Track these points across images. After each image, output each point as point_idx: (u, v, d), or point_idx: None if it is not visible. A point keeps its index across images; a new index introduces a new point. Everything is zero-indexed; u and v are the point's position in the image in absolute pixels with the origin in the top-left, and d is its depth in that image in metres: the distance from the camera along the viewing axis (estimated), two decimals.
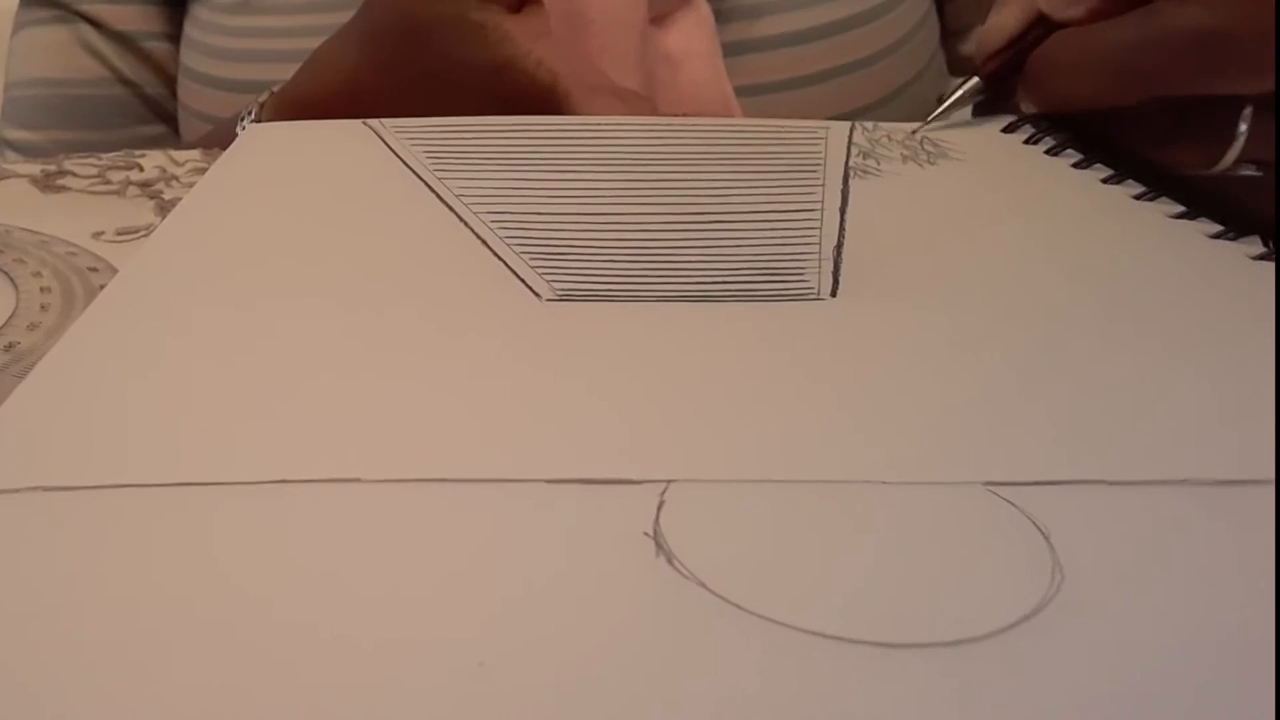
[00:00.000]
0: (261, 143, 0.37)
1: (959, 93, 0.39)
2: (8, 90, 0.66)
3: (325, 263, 0.28)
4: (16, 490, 0.19)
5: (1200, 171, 0.34)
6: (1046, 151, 0.35)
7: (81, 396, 0.22)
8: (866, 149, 0.35)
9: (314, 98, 0.43)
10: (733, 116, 0.45)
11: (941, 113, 0.38)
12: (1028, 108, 0.38)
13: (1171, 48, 0.33)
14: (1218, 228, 0.30)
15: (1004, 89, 0.39)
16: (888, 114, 0.57)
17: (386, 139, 0.36)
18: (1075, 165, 0.34)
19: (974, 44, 0.40)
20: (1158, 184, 0.32)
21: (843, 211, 0.31)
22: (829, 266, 0.28)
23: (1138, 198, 0.32)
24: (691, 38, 0.43)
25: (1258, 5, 0.32)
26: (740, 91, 0.46)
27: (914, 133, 0.37)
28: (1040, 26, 0.37)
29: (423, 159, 0.34)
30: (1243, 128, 0.33)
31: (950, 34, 0.64)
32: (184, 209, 0.32)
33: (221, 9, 0.59)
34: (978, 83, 0.39)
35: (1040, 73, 0.37)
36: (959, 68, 0.65)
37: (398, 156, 0.35)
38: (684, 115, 0.41)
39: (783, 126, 0.37)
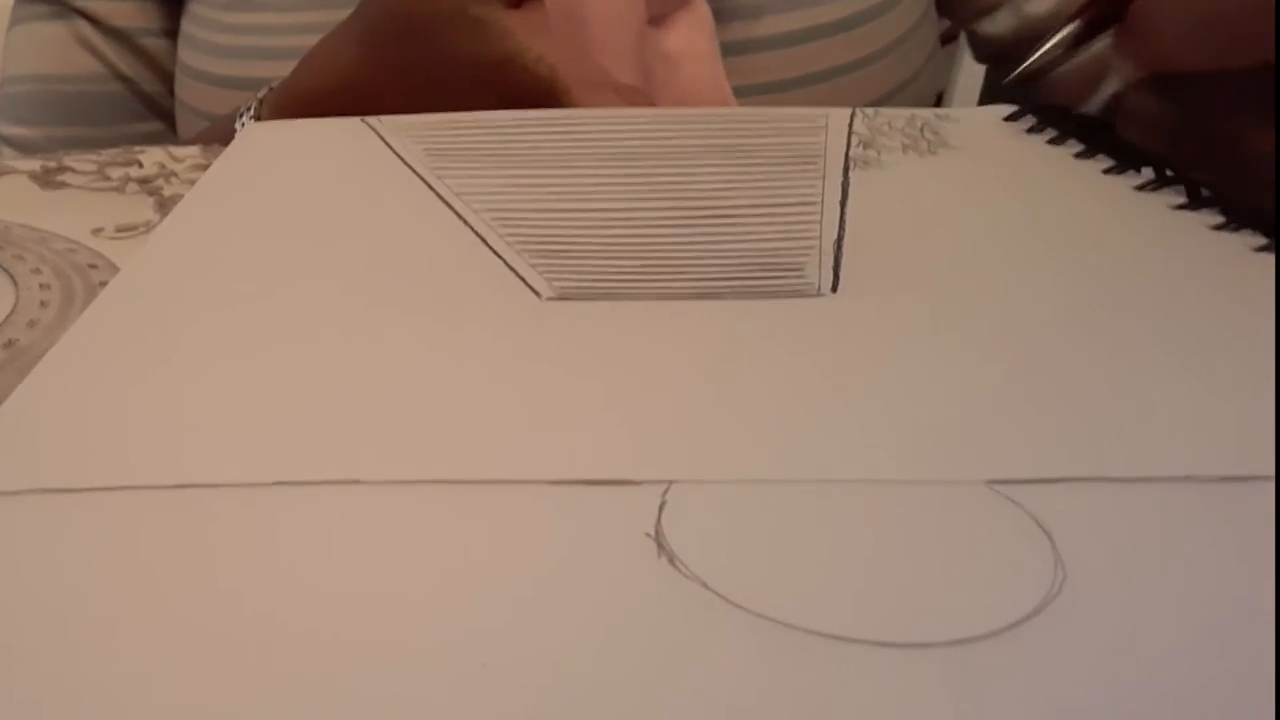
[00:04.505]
0: (261, 141, 0.37)
1: (1057, 38, 0.37)
2: (4, 86, 0.66)
3: (325, 263, 0.28)
4: (16, 492, 0.19)
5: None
6: (1049, 142, 0.35)
7: (81, 397, 0.22)
8: (867, 138, 0.35)
9: (313, 94, 0.43)
10: None
11: (1039, 57, 0.37)
12: (1122, 69, 0.36)
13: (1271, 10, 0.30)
14: (1219, 219, 0.29)
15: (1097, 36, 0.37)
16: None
17: (385, 137, 0.36)
18: (1077, 156, 0.34)
19: None
20: (1159, 175, 0.32)
21: (843, 204, 0.31)
22: (829, 261, 0.28)
23: (1139, 189, 0.32)
24: (690, 38, 0.43)
25: None
26: (739, 91, 0.46)
27: (1006, 81, 0.37)
28: None
29: (421, 156, 0.34)
30: None
31: (977, 13, 0.63)
32: (184, 208, 0.32)
33: (219, 5, 0.59)
34: (1076, 26, 0.38)
35: (1142, 26, 0.35)
36: (983, 47, 0.64)
37: (396, 154, 0.35)
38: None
39: (782, 116, 0.37)
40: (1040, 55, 0.37)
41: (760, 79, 0.55)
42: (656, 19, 0.42)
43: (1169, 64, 0.34)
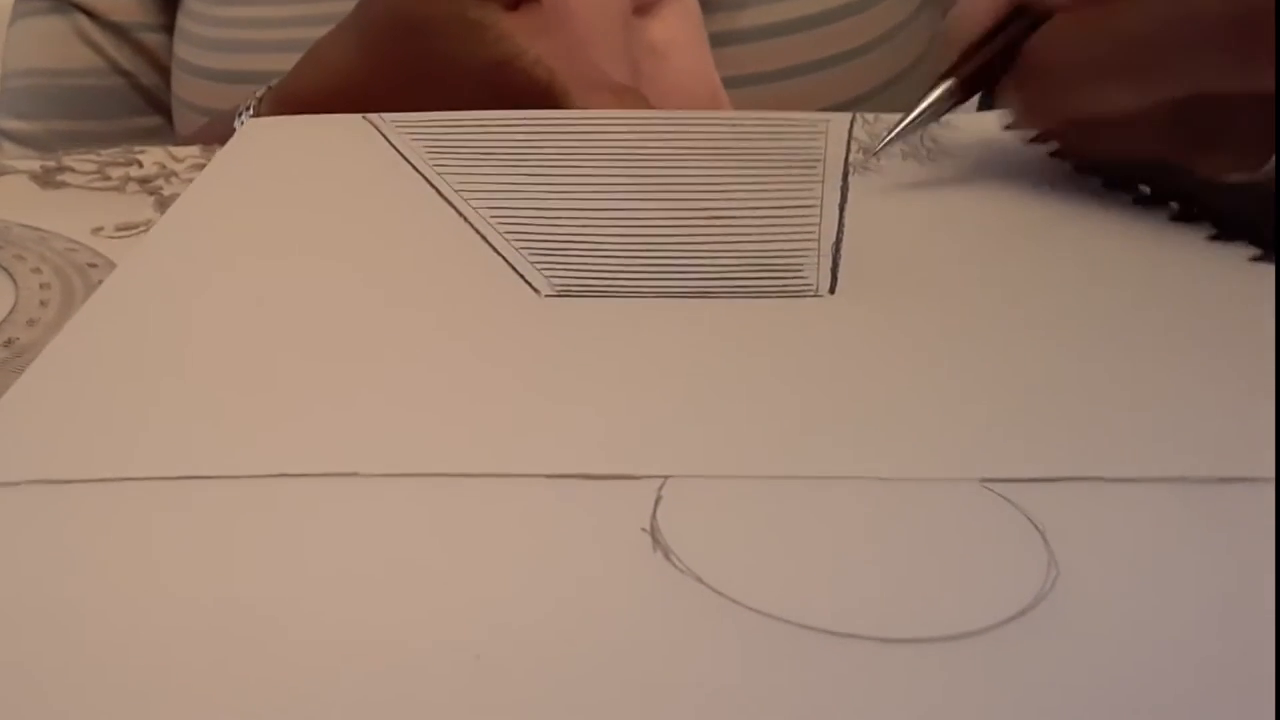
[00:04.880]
0: (260, 137, 0.37)
1: (929, 99, 0.32)
2: (4, 80, 0.66)
3: (324, 258, 0.28)
4: (16, 483, 0.19)
5: (1239, 177, 0.29)
6: (1050, 154, 0.35)
7: (80, 390, 0.22)
8: (867, 144, 0.35)
9: (311, 95, 0.43)
10: (721, 107, 0.45)
11: (910, 124, 0.32)
12: (1020, 125, 0.32)
13: (1207, 29, 0.27)
14: (1213, 231, 0.30)
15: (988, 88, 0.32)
16: (882, 104, 0.56)
17: (386, 133, 0.36)
18: (1076, 169, 0.34)
19: (944, 30, 0.33)
20: (1159, 188, 0.32)
21: (842, 209, 0.31)
22: (827, 264, 0.28)
23: (1137, 201, 0.32)
24: (677, 28, 0.43)
25: None
26: (730, 82, 0.46)
27: (875, 154, 0.32)
28: (1022, 19, 0.31)
29: (422, 154, 0.34)
30: None
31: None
32: (184, 203, 0.32)
33: (212, 0, 0.59)
34: (952, 85, 0.32)
35: (1040, 70, 0.30)
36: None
37: (397, 151, 0.35)
38: (674, 107, 0.41)
39: (783, 120, 0.37)
40: (911, 122, 0.32)
41: (747, 70, 0.54)
42: (643, 9, 0.42)
43: (1078, 109, 0.30)
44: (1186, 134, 0.29)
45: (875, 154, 0.32)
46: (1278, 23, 0.26)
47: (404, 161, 0.34)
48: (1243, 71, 0.27)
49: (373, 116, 0.37)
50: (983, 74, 0.32)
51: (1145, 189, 0.32)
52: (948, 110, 0.32)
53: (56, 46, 0.64)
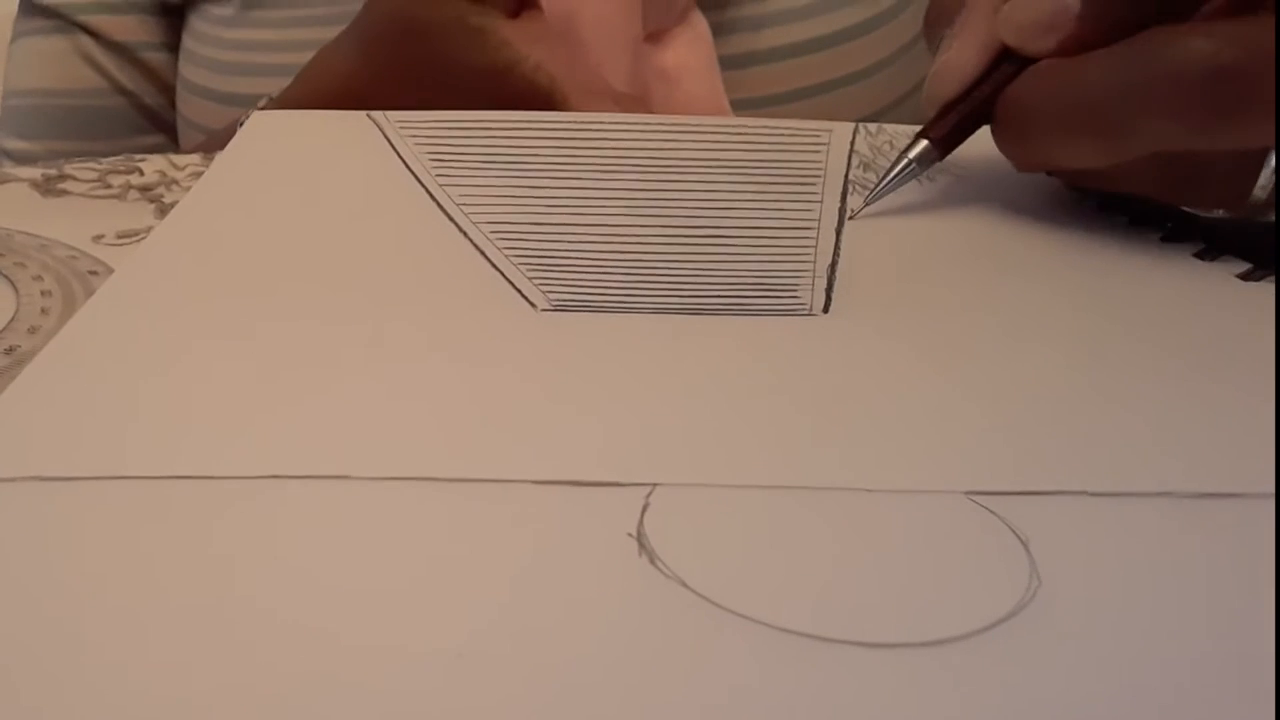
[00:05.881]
0: (265, 133, 0.37)
1: (904, 160, 0.32)
2: (6, 100, 0.66)
3: (322, 267, 0.28)
4: (13, 479, 0.20)
5: (1221, 214, 0.29)
6: (1047, 173, 0.35)
7: (78, 389, 0.23)
8: (868, 159, 0.36)
9: (313, 101, 0.43)
10: None
11: (885, 186, 0.32)
12: (1012, 156, 0.31)
13: (1171, 91, 0.26)
14: (1201, 246, 0.30)
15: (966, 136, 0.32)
16: (895, 120, 0.57)
17: (389, 134, 0.36)
18: (1072, 189, 0.34)
19: (925, 88, 0.32)
20: (1151, 209, 0.32)
21: (838, 230, 0.31)
22: (822, 284, 0.28)
23: (1132, 222, 0.32)
24: (688, 53, 0.43)
25: (1269, 32, 0.26)
26: (742, 104, 0.46)
27: (851, 216, 0.32)
28: (1006, 65, 0.30)
29: (424, 159, 0.34)
30: (1273, 163, 0.27)
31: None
32: (186, 206, 0.32)
33: (219, 21, 0.59)
34: (926, 148, 0.32)
35: (1013, 122, 0.30)
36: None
37: (399, 156, 0.35)
38: None
39: (786, 129, 0.37)
40: (886, 185, 0.32)
41: (763, 91, 0.55)
42: (655, 35, 0.42)
43: (1051, 161, 0.30)
44: (1162, 181, 0.29)
45: (853, 217, 0.32)
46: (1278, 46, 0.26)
47: (405, 168, 0.34)
48: (1204, 135, 0.27)
49: (376, 115, 0.38)
50: (962, 128, 0.32)
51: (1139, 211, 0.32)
52: (928, 168, 0.32)
53: (58, 66, 0.64)
